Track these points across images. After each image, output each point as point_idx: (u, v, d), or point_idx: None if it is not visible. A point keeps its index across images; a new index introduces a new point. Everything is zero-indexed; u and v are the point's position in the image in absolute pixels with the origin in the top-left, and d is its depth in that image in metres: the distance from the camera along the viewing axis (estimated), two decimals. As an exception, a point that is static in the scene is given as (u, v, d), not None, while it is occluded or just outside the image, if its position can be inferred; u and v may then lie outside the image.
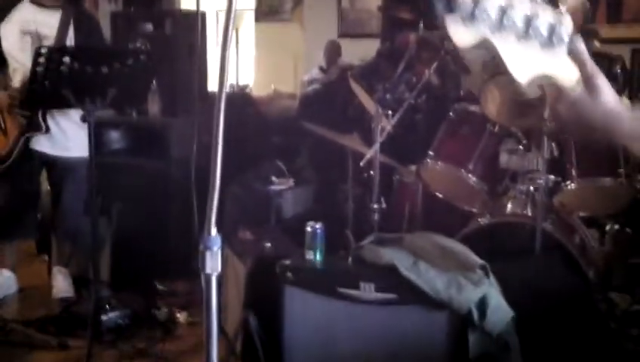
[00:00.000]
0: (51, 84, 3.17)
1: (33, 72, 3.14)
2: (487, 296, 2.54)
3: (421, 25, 3.78)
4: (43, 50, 3.09)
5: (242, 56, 8.11)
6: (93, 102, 3.22)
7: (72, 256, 4.10)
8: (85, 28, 3.82)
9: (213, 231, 1.33)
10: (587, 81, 1.12)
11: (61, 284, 4.04)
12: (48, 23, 3.74)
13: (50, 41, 3.66)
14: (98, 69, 3.17)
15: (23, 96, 3.58)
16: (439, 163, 3.53)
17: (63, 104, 3.42)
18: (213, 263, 1.34)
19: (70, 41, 3.75)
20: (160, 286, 4.06)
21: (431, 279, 2.63)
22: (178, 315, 3.69)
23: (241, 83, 7.89)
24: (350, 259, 2.95)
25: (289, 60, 8.29)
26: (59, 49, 3.39)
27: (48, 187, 4.20)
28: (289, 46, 8.34)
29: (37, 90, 3.25)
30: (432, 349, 2.63)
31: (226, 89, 1.33)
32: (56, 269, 4.10)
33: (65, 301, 3.90)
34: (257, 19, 9.01)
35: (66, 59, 3.10)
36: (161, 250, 4.12)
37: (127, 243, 4.07)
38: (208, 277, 1.35)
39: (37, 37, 3.71)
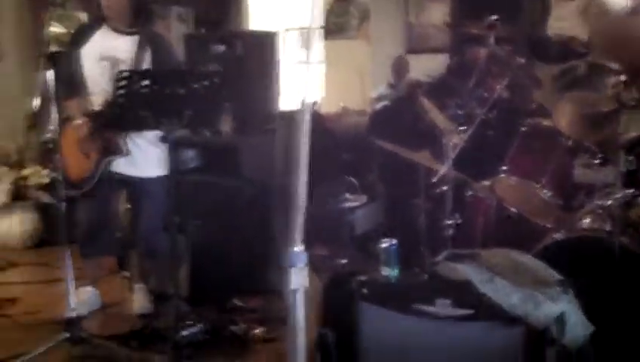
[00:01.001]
0: (131, 107, 3.27)
1: (114, 95, 3.24)
2: (566, 312, 2.52)
3: (492, 39, 3.77)
4: (124, 74, 3.19)
5: (310, 74, 8.17)
6: (171, 123, 3.31)
7: (152, 273, 4.22)
8: (161, 51, 3.94)
9: (299, 247, 1.37)
10: None
11: (141, 300, 4.15)
12: (125, 47, 3.87)
13: (126, 65, 3.78)
14: (175, 90, 3.26)
15: (103, 119, 3.72)
16: (513, 178, 3.52)
17: (142, 126, 3.53)
18: (299, 279, 1.38)
19: (146, 64, 3.87)
20: (236, 302, 4.13)
21: (507, 295, 2.62)
22: (256, 331, 3.74)
23: (309, 100, 7.93)
24: (425, 275, 2.95)
25: (356, 77, 8.32)
26: (139, 72, 3.51)
27: (128, 205, 4.34)
28: (356, 63, 8.37)
29: (117, 113, 3.36)
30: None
31: (309, 108, 1.37)
32: (136, 286, 4.22)
33: (145, 316, 4.00)
34: (325, 36, 9.08)
35: (146, 82, 3.20)
36: (236, 267, 4.19)
37: (204, 259, 4.17)
38: (294, 293, 1.39)
39: (114, 61, 3.84)
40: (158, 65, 3.84)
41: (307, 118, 1.34)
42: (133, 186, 4.05)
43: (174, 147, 3.39)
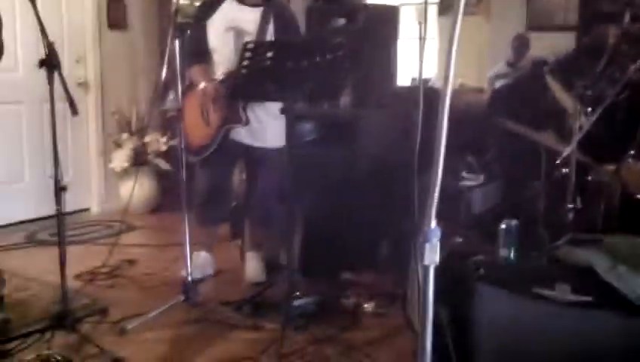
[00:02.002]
0: (255, 78, 3.31)
1: (239, 66, 3.29)
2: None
3: (627, 17, 3.61)
4: (250, 45, 3.23)
5: (426, 50, 8.08)
6: (293, 96, 3.33)
7: (265, 242, 4.29)
8: (284, 23, 3.97)
9: (433, 223, 1.35)
10: None
11: (254, 269, 4.23)
12: (250, 19, 3.92)
13: (251, 36, 3.83)
14: (299, 63, 3.27)
15: (226, 88, 3.78)
16: (641, 163, 3.38)
17: (265, 97, 3.58)
18: (432, 255, 1.36)
19: (270, 36, 3.92)
20: (347, 276, 4.15)
21: (631, 283, 2.53)
22: (365, 305, 3.75)
23: (424, 76, 7.85)
24: (545, 258, 2.88)
25: (474, 54, 8.17)
26: (264, 44, 3.55)
27: (244, 175, 4.42)
28: (473, 39, 8.21)
29: (241, 83, 3.40)
30: (629, 355, 2.53)
31: (450, 85, 1.34)
32: (249, 254, 4.30)
33: (257, 285, 4.08)
34: (441, 12, 8.93)
35: (270, 53, 3.23)
36: (348, 240, 4.20)
37: (317, 231, 4.20)
38: (426, 269, 1.38)
39: (239, 33, 3.90)
40: (281, 37, 3.87)
41: (447, 91, 1.30)
42: (251, 156, 4.11)
43: (293, 119, 3.42)
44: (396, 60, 5.13)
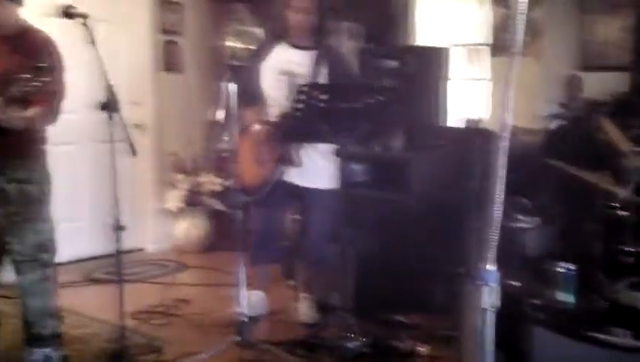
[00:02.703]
0: (308, 119, 3.35)
1: (293, 107, 3.34)
2: None
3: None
4: (303, 87, 3.28)
5: (478, 92, 8.08)
6: (346, 137, 3.36)
7: (318, 283, 4.30)
8: (336, 66, 4.02)
9: (492, 265, 1.35)
10: None
11: (306, 309, 4.23)
12: (302, 62, 3.98)
13: (303, 79, 3.88)
14: (352, 105, 3.31)
15: (279, 130, 3.84)
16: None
17: (318, 138, 3.62)
18: (490, 298, 1.35)
19: (322, 78, 3.96)
20: (400, 318, 4.12)
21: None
22: (420, 348, 3.71)
23: (476, 118, 7.84)
24: (604, 302, 2.83)
25: (524, 95, 8.11)
26: (318, 86, 3.60)
27: (297, 215, 4.45)
28: (524, 80, 8.16)
29: (295, 124, 3.45)
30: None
31: (508, 127, 1.34)
32: (302, 295, 4.31)
33: (310, 326, 4.07)
34: (493, 53, 8.93)
35: (324, 95, 3.27)
36: (401, 281, 4.18)
37: (370, 272, 4.19)
38: (484, 312, 1.37)
39: (292, 75, 3.96)
40: (334, 79, 3.92)
41: (505, 133, 1.30)
42: (304, 197, 4.14)
43: (346, 160, 3.45)
44: (446, 101, 5.14)
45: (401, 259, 4.27)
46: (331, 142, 3.48)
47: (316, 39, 4.05)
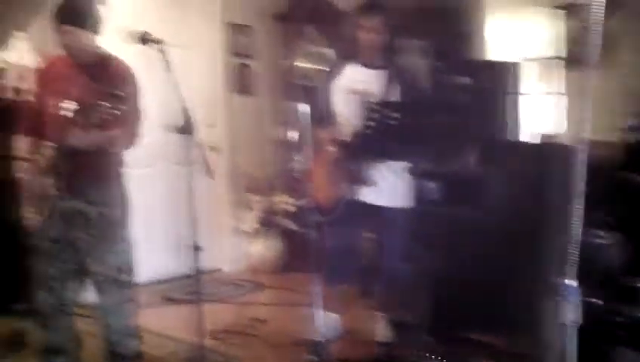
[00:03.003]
0: (381, 138, 3.35)
1: (365, 125, 3.35)
2: None
3: None
4: (375, 106, 3.29)
5: (552, 106, 7.93)
6: (419, 155, 3.35)
7: (393, 302, 4.27)
8: (407, 84, 4.01)
9: (573, 281, 1.32)
10: None
11: (382, 329, 4.21)
12: (373, 81, 3.99)
13: (375, 98, 3.88)
14: (424, 122, 3.30)
15: (352, 149, 3.84)
16: None
17: (391, 156, 3.61)
18: (572, 314, 1.32)
19: (394, 97, 3.95)
20: (476, 336, 4.06)
21: None
22: (499, 367, 3.65)
23: (551, 132, 7.69)
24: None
25: (601, 108, 7.93)
26: (389, 104, 3.60)
27: (371, 234, 4.43)
28: (598, 93, 7.99)
29: (367, 143, 3.46)
30: None
31: (585, 140, 1.32)
32: (377, 314, 4.29)
33: (386, 345, 4.05)
34: (567, 67, 8.76)
35: (396, 114, 3.27)
36: (477, 300, 4.11)
37: (445, 291, 4.14)
38: (565, 328, 1.34)
39: (363, 94, 3.96)
40: (405, 98, 3.91)
41: (583, 147, 1.28)
42: (378, 215, 4.13)
43: (420, 178, 3.43)
44: (520, 116, 5.07)
45: (477, 276, 4.20)
46: (404, 160, 3.47)
47: (386, 58, 4.06)
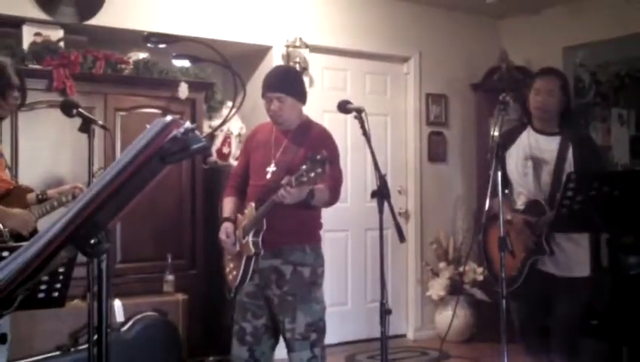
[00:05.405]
0: (580, 210, 3.26)
1: (562, 197, 3.27)
2: None
3: None
4: (572, 176, 3.22)
5: None
6: (620, 227, 3.22)
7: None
8: (584, 151, 3.88)
9: None
10: None
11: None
12: (548, 148, 3.90)
13: (549, 165, 3.82)
14: (624, 193, 3.18)
15: (532, 218, 3.76)
16: None
17: (591, 228, 3.49)
18: None
19: (569, 164, 3.84)
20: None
21: None
22: None
23: None
24: None
25: None
26: (588, 175, 3.49)
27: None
28: None
29: (565, 215, 3.37)
30: None
31: None
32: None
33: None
34: None
35: (595, 184, 3.18)
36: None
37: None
38: None
39: (538, 161, 3.89)
40: (582, 165, 3.78)
41: None
42: (558, 286, 3.97)
43: (619, 251, 3.30)
44: None
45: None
46: (605, 231, 3.35)
47: (562, 123, 3.97)
